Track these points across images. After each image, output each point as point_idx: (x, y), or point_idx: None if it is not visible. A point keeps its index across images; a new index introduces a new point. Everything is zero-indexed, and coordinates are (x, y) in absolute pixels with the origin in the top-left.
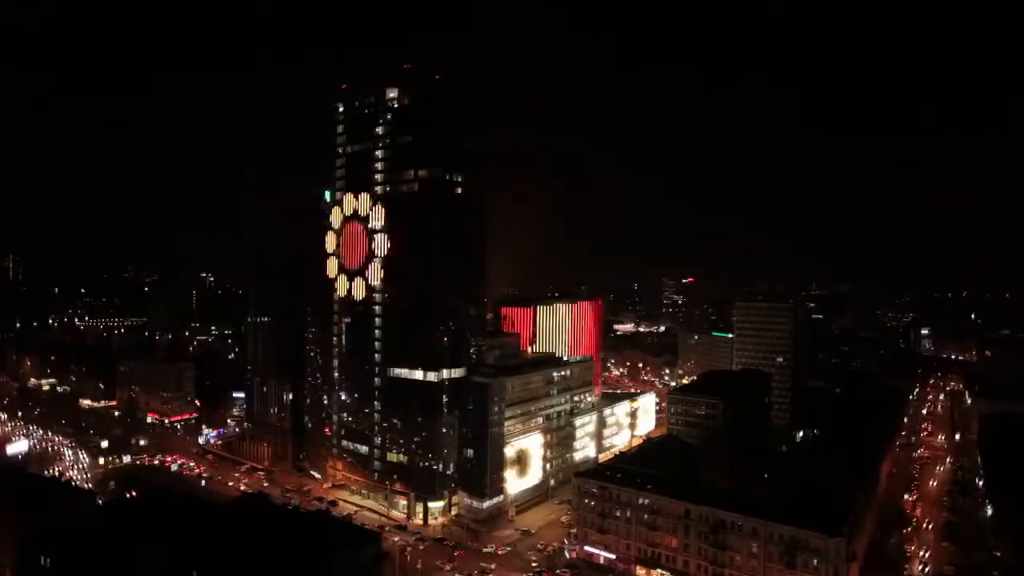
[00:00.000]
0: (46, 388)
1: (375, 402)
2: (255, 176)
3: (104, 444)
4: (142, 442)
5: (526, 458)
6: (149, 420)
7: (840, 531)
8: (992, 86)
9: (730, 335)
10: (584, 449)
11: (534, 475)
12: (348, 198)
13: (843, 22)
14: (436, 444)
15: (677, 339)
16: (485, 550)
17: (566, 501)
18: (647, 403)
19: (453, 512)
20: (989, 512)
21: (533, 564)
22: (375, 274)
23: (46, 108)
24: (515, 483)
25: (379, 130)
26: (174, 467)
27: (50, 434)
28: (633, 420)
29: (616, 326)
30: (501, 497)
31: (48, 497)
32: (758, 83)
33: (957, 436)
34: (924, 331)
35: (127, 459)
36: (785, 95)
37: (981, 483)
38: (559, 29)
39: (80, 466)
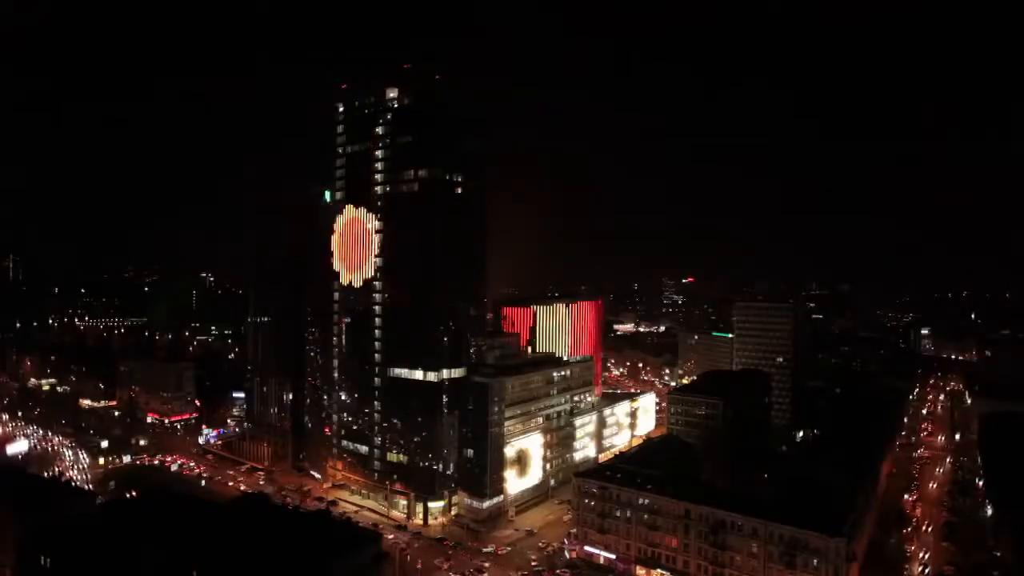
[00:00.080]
0: (46, 388)
1: (375, 402)
2: (255, 176)
3: (104, 444)
4: (142, 442)
5: (526, 458)
6: (149, 420)
7: (840, 531)
8: (992, 86)
9: (730, 335)
10: (584, 449)
11: (534, 475)
12: (348, 198)
13: (843, 22)
14: (436, 444)
15: (677, 339)
16: (485, 550)
17: (566, 501)
18: (647, 403)
19: (453, 512)
20: (989, 512)
21: (533, 564)
22: (375, 274)
23: (46, 108)
24: (515, 483)
25: (379, 130)
26: (174, 467)
27: (50, 434)
28: (633, 420)
29: (616, 326)
30: (501, 497)
31: (48, 497)
32: (758, 83)
33: (957, 436)
34: (924, 331)
35: (127, 459)
36: (785, 95)
37: (981, 483)
38: (559, 29)
39: (80, 466)
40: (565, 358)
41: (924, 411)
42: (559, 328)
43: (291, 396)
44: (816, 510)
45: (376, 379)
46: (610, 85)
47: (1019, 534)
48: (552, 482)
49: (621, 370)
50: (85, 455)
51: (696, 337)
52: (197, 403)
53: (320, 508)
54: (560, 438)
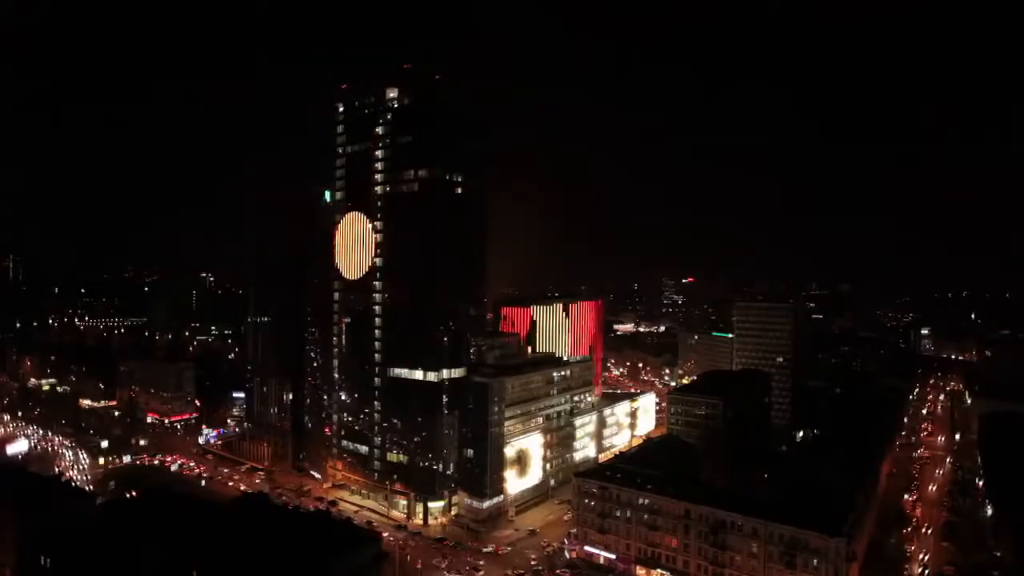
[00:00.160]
0: (46, 388)
1: (375, 402)
2: (255, 176)
3: (104, 444)
4: (142, 442)
5: (526, 458)
6: (149, 420)
7: (840, 531)
8: (992, 86)
9: (730, 335)
10: (584, 449)
11: (534, 475)
12: (348, 198)
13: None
14: (436, 444)
15: (677, 339)
16: (485, 550)
17: (566, 501)
18: (647, 403)
19: (453, 512)
20: (989, 512)
21: (533, 563)
22: (375, 274)
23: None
24: (515, 483)
25: (379, 130)
26: (174, 467)
27: (50, 434)
28: (633, 420)
29: (616, 326)
30: (501, 497)
31: (48, 497)
32: (758, 83)
33: (957, 436)
34: (924, 331)
35: (127, 459)
36: (785, 95)
37: (981, 483)
38: (559, 29)
39: (80, 466)
40: (565, 358)
41: (924, 411)
42: (559, 328)
43: (291, 396)
44: (816, 510)
45: (376, 379)
46: (610, 85)
47: (1019, 534)
48: (552, 482)
49: (621, 370)
50: (85, 455)
51: (696, 337)
52: (197, 403)
53: (320, 508)
54: (560, 438)
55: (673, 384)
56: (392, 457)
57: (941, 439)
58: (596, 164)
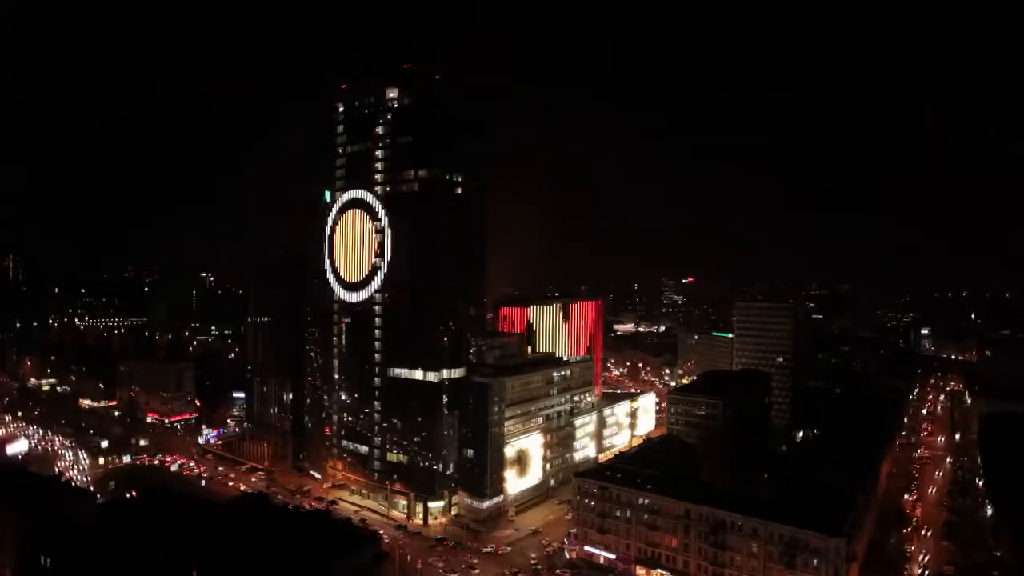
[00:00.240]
0: (46, 388)
1: (375, 402)
2: (255, 176)
3: (104, 444)
4: (142, 442)
5: (526, 458)
6: (149, 420)
7: (840, 531)
8: (992, 86)
9: (730, 335)
10: (584, 449)
11: (534, 475)
12: (348, 198)
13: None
14: (436, 444)
15: (677, 339)
16: (485, 550)
17: (566, 501)
18: (647, 403)
19: (453, 512)
20: (989, 512)
21: (533, 563)
22: (375, 274)
23: (46, 108)
24: (515, 483)
25: (379, 130)
26: (174, 467)
27: (50, 434)
28: (633, 420)
29: (616, 326)
30: (501, 497)
31: (48, 497)
32: (758, 83)
33: (957, 436)
34: (924, 331)
35: (127, 459)
36: (785, 95)
37: (981, 483)
38: (559, 29)
39: (80, 466)
40: (565, 358)
41: (924, 411)
42: (559, 328)
43: (291, 396)
44: (816, 510)
45: (376, 379)
46: (610, 85)
47: (1019, 534)
48: (552, 482)
49: (621, 370)
50: (85, 455)
51: (696, 337)
52: (197, 403)
53: (320, 508)
54: (560, 438)
55: (673, 384)
56: (392, 457)
57: (941, 439)
58: (596, 164)
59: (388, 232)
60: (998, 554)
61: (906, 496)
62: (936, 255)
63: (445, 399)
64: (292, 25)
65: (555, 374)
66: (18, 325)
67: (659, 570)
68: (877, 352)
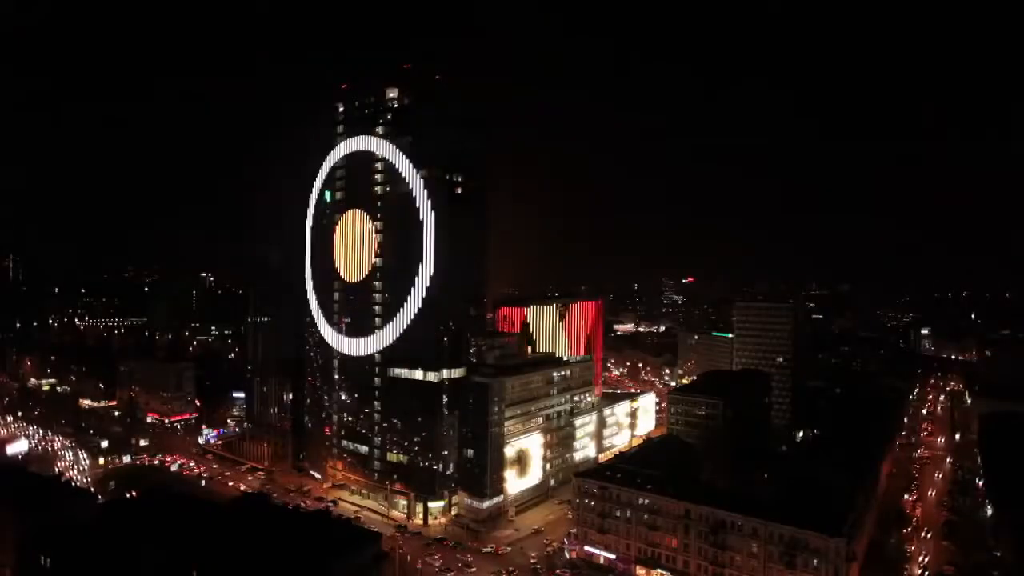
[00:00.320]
0: (46, 388)
1: (375, 402)
2: (255, 176)
3: (104, 444)
4: (142, 442)
5: (526, 458)
6: (149, 420)
7: (840, 531)
8: (992, 86)
9: (730, 335)
10: (584, 449)
11: (534, 475)
12: (348, 198)
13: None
14: (436, 444)
15: (677, 339)
16: (485, 550)
17: (566, 501)
18: (647, 403)
19: (453, 512)
20: (989, 512)
21: (533, 563)
22: (375, 274)
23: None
24: (515, 483)
25: (379, 130)
26: (174, 467)
27: (50, 434)
28: (633, 420)
29: (616, 326)
30: (501, 497)
31: (48, 497)
32: (758, 83)
33: (957, 436)
34: (924, 331)
35: (127, 459)
36: (785, 95)
37: (981, 483)
38: (559, 29)
39: (80, 466)
40: (565, 358)
41: (924, 411)
42: (558, 328)
43: (291, 396)
44: (816, 510)
45: (376, 379)
46: (610, 85)
47: (1019, 534)
48: (552, 482)
49: (621, 370)
50: (85, 455)
51: (696, 337)
52: (197, 403)
53: (320, 508)
54: (560, 438)
55: (673, 384)
56: (392, 457)
57: (941, 439)
58: (596, 164)
59: (388, 232)
60: (998, 554)
61: (906, 496)
62: (936, 255)
63: (445, 399)
64: (292, 25)
65: (555, 374)
66: (18, 325)
67: (659, 570)
68: (877, 352)
